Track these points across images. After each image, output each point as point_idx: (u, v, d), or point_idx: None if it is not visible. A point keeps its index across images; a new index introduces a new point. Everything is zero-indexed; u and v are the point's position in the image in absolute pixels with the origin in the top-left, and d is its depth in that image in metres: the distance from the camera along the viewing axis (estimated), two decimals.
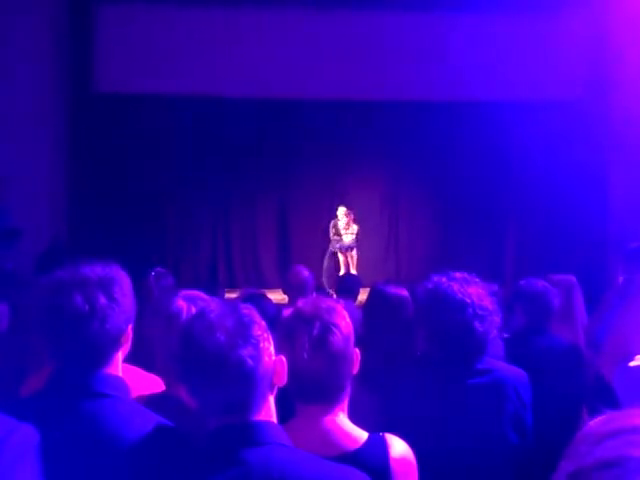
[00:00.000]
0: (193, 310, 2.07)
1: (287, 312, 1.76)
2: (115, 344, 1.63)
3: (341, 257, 11.24)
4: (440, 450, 2.10)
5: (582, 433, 0.80)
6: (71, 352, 1.58)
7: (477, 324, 2.20)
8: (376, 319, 2.96)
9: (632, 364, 2.20)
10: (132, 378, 2.21)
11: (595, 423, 0.80)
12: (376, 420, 2.16)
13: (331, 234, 11.19)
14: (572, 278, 3.91)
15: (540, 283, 3.52)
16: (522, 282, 3.60)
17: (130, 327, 1.67)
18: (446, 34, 10.10)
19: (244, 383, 1.40)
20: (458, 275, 2.31)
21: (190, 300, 2.18)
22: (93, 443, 1.51)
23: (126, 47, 10.02)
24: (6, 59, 8.87)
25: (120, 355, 1.68)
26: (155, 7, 10.17)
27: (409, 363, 2.77)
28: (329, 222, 11.41)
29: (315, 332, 1.65)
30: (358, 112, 11.32)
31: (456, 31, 10.07)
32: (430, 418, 2.19)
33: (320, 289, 8.44)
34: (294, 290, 4.33)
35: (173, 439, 1.56)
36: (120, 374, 1.67)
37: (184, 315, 2.09)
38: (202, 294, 2.27)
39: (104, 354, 1.61)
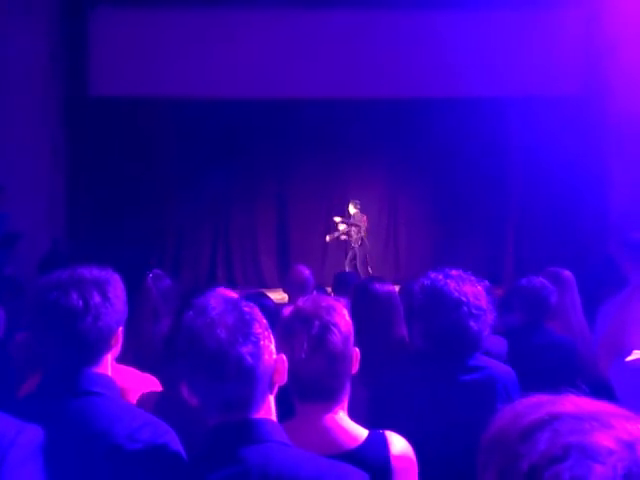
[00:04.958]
0: None
1: (287, 310, 1.76)
2: (106, 344, 1.65)
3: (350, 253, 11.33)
4: (430, 445, 2.10)
5: (501, 429, 0.80)
6: (63, 348, 1.60)
7: (472, 323, 2.22)
8: (360, 314, 2.96)
9: (629, 359, 2.19)
10: (128, 378, 2.21)
11: (510, 415, 0.80)
12: (366, 414, 2.16)
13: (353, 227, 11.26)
14: (567, 272, 3.90)
15: (538, 280, 3.53)
16: (522, 279, 3.62)
17: (121, 329, 1.69)
18: (444, 31, 10.09)
19: (243, 380, 1.40)
20: (454, 273, 2.32)
21: None
22: (83, 441, 1.52)
23: (121, 50, 10.01)
24: (1, 65, 8.86)
25: (109, 357, 1.69)
26: (149, 9, 10.15)
27: (396, 357, 2.78)
28: (328, 221, 11.46)
29: (314, 331, 1.64)
30: (356, 110, 11.31)
31: (453, 28, 10.06)
32: (421, 413, 2.20)
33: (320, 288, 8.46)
34: (295, 289, 4.34)
35: (163, 436, 1.56)
36: (109, 374, 1.69)
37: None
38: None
39: (94, 353, 1.63)
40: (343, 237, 11.34)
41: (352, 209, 11.33)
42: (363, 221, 11.33)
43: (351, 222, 11.23)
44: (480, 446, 0.82)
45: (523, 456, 0.72)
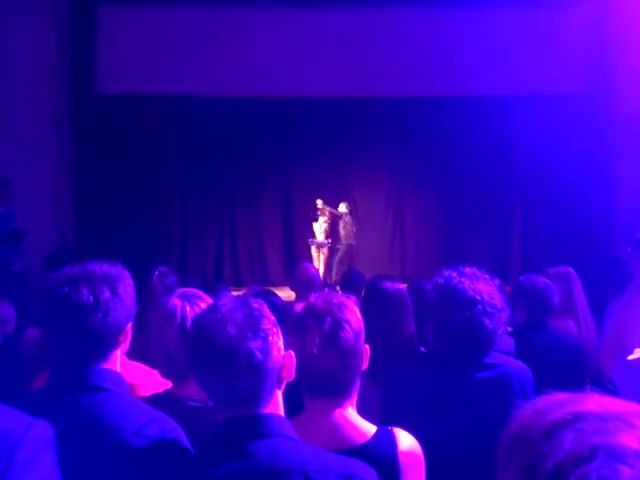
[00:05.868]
0: (187, 309, 2.08)
1: (299, 307, 1.77)
2: (115, 340, 1.66)
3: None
4: (444, 443, 2.10)
5: (522, 427, 0.79)
6: (72, 344, 1.61)
7: (486, 321, 2.21)
8: (370, 312, 2.97)
9: (631, 357, 2.19)
10: (137, 374, 2.22)
11: (531, 413, 0.79)
12: (378, 412, 2.16)
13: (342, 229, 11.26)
14: (569, 269, 3.91)
15: (540, 279, 3.52)
16: (522, 278, 3.60)
17: (130, 325, 1.70)
18: (449, 30, 10.09)
19: (252, 376, 1.42)
20: (468, 270, 2.31)
21: (185, 298, 2.15)
22: (91, 436, 1.53)
23: (128, 48, 10.04)
24: (9, 62, 8.89)
25: (118, 353, 1.70)
26: (156, 7, 10.18)
27: (405, 355, 2.78)
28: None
29: (326, 328, 1.66)
30: (362, 108, 11.32)
31: (459, 26, 10.05)
32: (435, 411, 2.20)
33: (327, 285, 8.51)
34: (302, 287, 4.35)
35: (170, 432, 1.57)
36: (119, 370, 1.70)
37: (179, 314, 2.08)
38: (199, 292, 2.25)
39: (103, 348, 1.64)
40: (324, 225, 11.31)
41: (342, 208, 11.30)
42: (349, 222, 11.28)
43: (329, 210, 11.20)
44: (500, 444, 0.81)
45: (547, 455, 0.72)
